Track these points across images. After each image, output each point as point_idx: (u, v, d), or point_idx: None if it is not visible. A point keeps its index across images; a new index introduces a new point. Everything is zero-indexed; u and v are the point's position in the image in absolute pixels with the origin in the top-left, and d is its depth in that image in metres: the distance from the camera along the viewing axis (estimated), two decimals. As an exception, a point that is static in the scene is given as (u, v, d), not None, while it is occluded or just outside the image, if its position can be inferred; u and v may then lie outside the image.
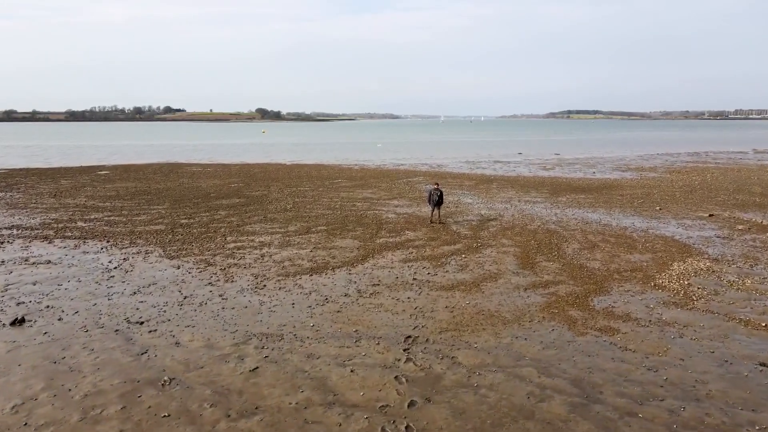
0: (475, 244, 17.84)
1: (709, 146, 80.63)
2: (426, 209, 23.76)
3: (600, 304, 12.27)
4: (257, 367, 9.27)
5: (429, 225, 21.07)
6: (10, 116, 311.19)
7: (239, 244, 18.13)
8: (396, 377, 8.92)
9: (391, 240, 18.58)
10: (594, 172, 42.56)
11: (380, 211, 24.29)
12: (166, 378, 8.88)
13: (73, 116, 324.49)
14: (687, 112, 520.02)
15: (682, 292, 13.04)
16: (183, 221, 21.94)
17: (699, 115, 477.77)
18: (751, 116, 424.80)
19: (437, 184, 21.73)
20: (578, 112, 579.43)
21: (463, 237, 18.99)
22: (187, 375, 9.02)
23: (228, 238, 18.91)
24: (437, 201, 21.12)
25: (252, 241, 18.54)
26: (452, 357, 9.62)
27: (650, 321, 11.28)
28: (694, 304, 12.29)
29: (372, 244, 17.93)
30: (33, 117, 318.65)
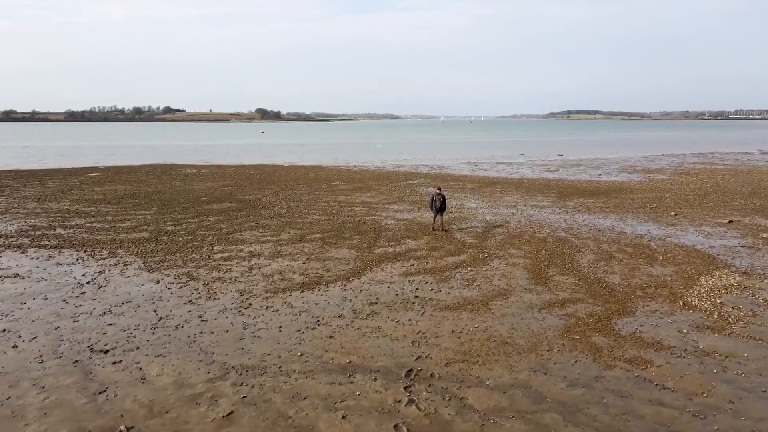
0: (481, 255, 16.42)
1: (714, 147, 79.22)
2: (427, 215, 22.36)
3: (626, 328, 10.85)
4: (232, 412, 7.87)
5: (431, 232, 19.66)
6: (9, 116, 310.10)
7: (227, 254, 16.72)
8: (396, 426, 7.51)
9: (390, 250, 17.16)
10: (600, 174, 41.15)
11: (379, 216, 22.88)
12: (122, 427, 7.47)
13: (72, 116, 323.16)
14: (687, 112, 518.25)
15: (716, 313, 11.63)
16: (169, 228, 20.52)
17: (699, 115, 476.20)
18: (751, 116, 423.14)
19: (439, 189, 20.29)
20: (578, 112, 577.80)
21: (468, 246, 17.57)
22: (148, 423, 7.61)
23: (215, 248, 17.49)
24: (440, 207, 19.70)
25: (241, 251, 17.12)
26: (461, 398, 8.21)
27: (686, 350, 9.86)
28: (731, 328, 10.87)
29: (370, 255, 16.51)
30: (32, 117, 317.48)
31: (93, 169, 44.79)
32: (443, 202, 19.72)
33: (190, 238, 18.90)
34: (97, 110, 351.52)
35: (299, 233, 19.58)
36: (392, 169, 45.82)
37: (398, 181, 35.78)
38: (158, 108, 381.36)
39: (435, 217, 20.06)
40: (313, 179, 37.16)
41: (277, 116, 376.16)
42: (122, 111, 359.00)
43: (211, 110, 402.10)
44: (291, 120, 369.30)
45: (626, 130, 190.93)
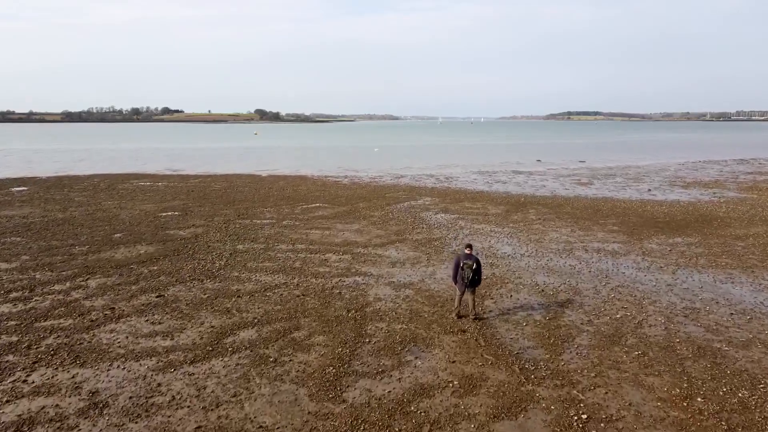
0: (572, 413, 7.58)
1: (748, 152, 70.44)
2: (442, 273, 13.63)
3: None
4: None
5: (455, 324, 10.80)
6: (6, 117, 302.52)
7: (32, 405, 7.90)
8: None
9: (378, 391, 8.29)
10: (650, 190, 32.27)
11: (366, 278, 14.02)
12: None
13: (69, 117, 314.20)
14: (688, 113, 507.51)
15: None
16: (2, 309, 11.68)
17: (700, 117, 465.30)
18: (753, 118, 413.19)
19: (470, 249, 11.27)
20: (578, 113, 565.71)
21: (532, 372, 8.72)
22: None
23: (32, 378, 8.66)
24: (470, 279, 10.83)
25: (74, 389, 8.28)
26: None
27: None
28: None
29: (335, 410, 7.67)
30: (29, 118, 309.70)
31: (24, 182, 35.94)
32: (477, 271, 10.84)
33: (6, 340, 10.05)
34: (94, 111, 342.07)
35: (219, 326, 10.74)
36: (390, 181, 36.98)
37: (397, 201, 26.94)
38: (156, 109, 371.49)
39: (462, 294, 11.18)
40: (289, 198, 28.33)
41: (276, 117, 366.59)
42: (120, 112, 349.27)
43: (209, 111, 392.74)
44: (290, 121, 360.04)
45: (634, 131, 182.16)
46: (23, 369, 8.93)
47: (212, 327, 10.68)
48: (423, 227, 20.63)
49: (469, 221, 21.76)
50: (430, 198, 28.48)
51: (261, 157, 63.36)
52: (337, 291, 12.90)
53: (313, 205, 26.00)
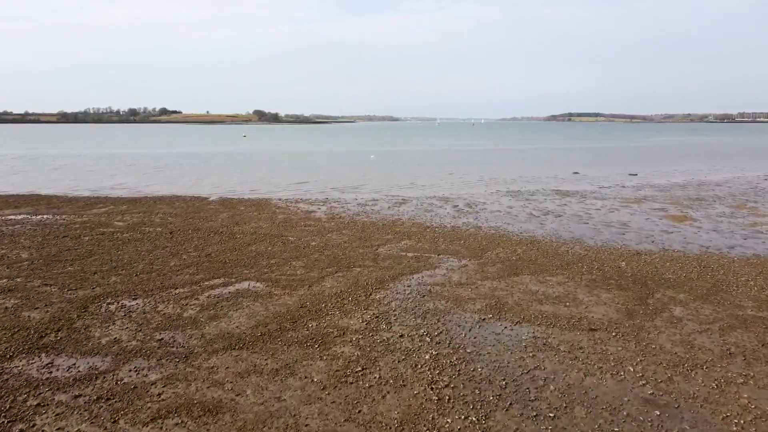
0: None
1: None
2: None
3: None
4: None
5: None
6: (0, 118, 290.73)
7: None
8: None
9: None
10: (807, 236, 19.44)
11: None
12: None
13: (65, 118, 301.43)
14: (690, 115, 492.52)
15: None
16: None
17: (703, 118, 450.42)
18: (759, 119, 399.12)
19: None
20: (579, 114, 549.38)
21: None
22: None
23: None
24: None
25: None
26: None
27: None
28: None
29: None
30: (23, 119, 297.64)
31: None
32: None
33: None
34: (91, 111, 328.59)
35: None
36: (388, 211, 24.17)
37: (398, 274, 14.05)
38: (154, 109, 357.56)
39: None
40: (209, 258, 15.47)
41: (275, 118, 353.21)
42: (117, 113, 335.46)
43: (208, 112, 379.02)
44: (289, 122, 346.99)
45: (650, 134, 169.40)
46: None
47: None
48: (466, 400, 7.72)
49: (569, 364, 8.86)
50: (456, 260, 15.55)
51: (232, 167, 50.70)
52: None
53: (240, 285, 13.11)
